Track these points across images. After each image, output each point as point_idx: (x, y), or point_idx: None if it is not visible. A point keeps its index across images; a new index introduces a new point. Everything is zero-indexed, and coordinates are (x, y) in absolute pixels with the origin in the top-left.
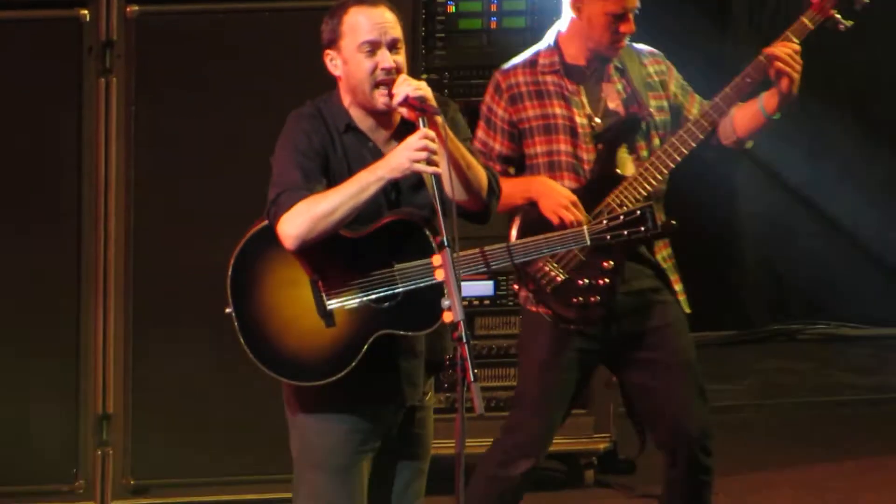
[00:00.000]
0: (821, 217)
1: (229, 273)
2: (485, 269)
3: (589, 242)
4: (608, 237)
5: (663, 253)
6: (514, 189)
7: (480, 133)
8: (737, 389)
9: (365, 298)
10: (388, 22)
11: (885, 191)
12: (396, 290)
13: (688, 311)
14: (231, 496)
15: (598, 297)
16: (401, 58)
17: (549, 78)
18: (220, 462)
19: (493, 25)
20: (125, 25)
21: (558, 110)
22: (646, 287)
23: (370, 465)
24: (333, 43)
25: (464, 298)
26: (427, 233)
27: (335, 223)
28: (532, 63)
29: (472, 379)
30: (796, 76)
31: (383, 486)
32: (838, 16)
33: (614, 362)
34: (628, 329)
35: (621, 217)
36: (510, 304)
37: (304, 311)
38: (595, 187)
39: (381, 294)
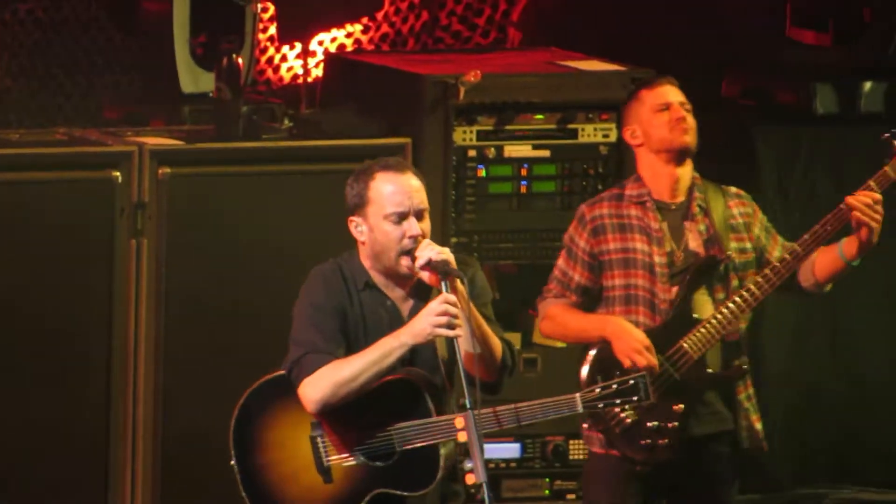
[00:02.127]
0: (847, 375)
1: (232, 426)
2: (497, 428)
3: (581, 411)
4: (600, 405)
5: (748, 391)
6: (589, 325)
7: (561, 262)
8: None
9: (362, 456)
10: (414, 190)
11: None
12: (393, 450)
13: (765, 447)
14: None
15: (667, 440)
16: (426, 225)
17: (633, 211)
18: None
19: (524, 190)
20: (157, 187)
21: (639, 245)
22: (707, 433)
23: None
24: (359, 208)
25: (489, 460)
26: (426, 393)
27: (358, 389)
28: (618, 196)
29: None
30: (875, 225)
31: None
32: None
33: (669, 499)
34: (684, 475)
35: (614, 386)
36: (537, 466)
37: (303, 466)
38: (671, 328)
39: (379, 452)
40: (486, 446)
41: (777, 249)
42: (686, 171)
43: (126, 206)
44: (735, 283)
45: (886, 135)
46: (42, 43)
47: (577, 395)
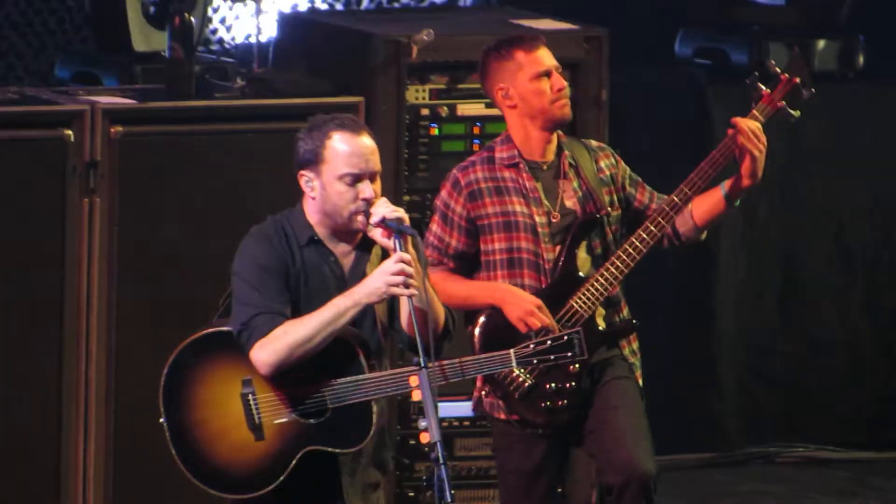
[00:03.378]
0: (799, 336)
1: (162, 383)
2: (443, 382)
3: (515, 367)
4: (535, 361)
5: (632, 346)
6: (475, 292)
7: (435, 228)
8: None
9: (294, 414)
10: (370, 152)
11: (863, 308)
12: (325, 407)
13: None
14: None
15: (566, 401)
16: (377, 186)
17: (507, 174)
18: None
19: (476, 148)
20: (109, 146)
21: (518, 207)
22: (605, 378)
23: None
24: (311, 164)
25: (442, 419)
26: (360, 351)
27: (312, 349)
28: (489, 160)
29: (450, 499)
30: (759, 154)
31: None
32: (788, 108)
33: (572, 441)
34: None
35: (548, 342)
36: (490, 424)
37: (234, 424)
38: (557, 289)
39: (311, 410)
40: (438, 405)
41: (646, 197)
42: (555, 133)
43: (78, 164)
44: (610, 237)
45: (749, 79)
46: None
47: (511, 351)
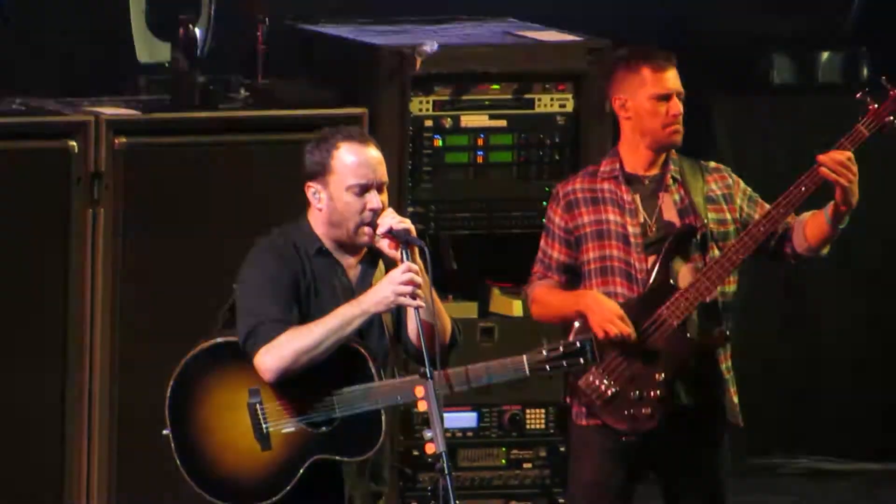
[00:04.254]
0: (802, 347)
1: (168, 395)
2: (448, 392)
3: (528, 373)
4: (547, 367)
5: (727, 363)
6: (564, 302)
7: (542, 243)
8: None
9: (302, 422)
10: (377, 163)
11: (866, 318)
12: (334, 416)
13: (741, 423)
14: None
15: (649, 410)
16: (384, 197)
17: (605, 185)
18: None
19: (480, 160)
20: (113, 156)
21: (612, 216)
22: (693, 404)
23: None
24: (318, 176)
25: (447, 430)
26: (368, 358)
27: (317, 356)
28: (592, 172)
29: None
30: (847, 184)
31: None
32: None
33: (654, 471)
34: (670, 445)
35: (561, 348)
36: (493, 435)
37: (241, 433)
38: (649, 298)
39: (318, 419)
40: (443, 415)
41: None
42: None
43: (82, 175)
44: (715, 252)
45: (859, 94)
46: None
47: (524, 356)
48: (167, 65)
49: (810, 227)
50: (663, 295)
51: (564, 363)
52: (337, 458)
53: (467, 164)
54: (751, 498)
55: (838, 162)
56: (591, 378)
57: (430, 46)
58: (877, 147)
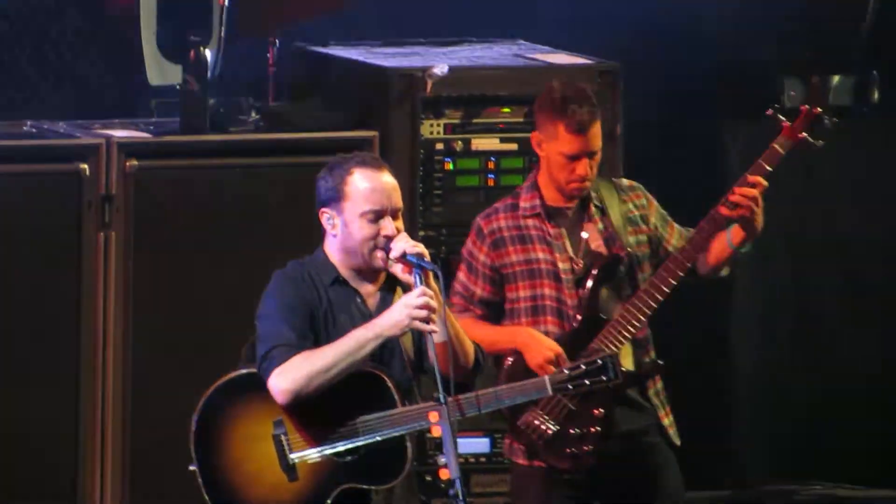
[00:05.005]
0: (817, 373)
1: (193, 427)
2: (459, 416)
3: (550, 393)
4: (570, 387)
5: (656, 387)
6: (499, 337)
7: (461, 276)
8: None
9: (327, 451)
10: (391, 189)
11: (881, 343)
12: (358, 444)
13: (678, 442)
14: None
15: (591, 446)
16: (399, 224)
17: (530, 222)
18: None
19: (491, 183)
20: (124, 180)
21: (541, 255)
22: (634, 429)
23: None
24: (333, 202)
25: (460, 456)
26: (390, 384)
27: (331, 379)
28: (513, 206)
29: None
30: (749, 215)
31: None
32: (810, 138)
33: (602, 500)
34: (618, 473)
35: (582, 367)
36: (506, 461)
37: (267, 465)
38: (580, 332)
39: (344, 447)
40: (457, 441)
41: (674, 237)
42: None
43: (93, 199)
44: (640, 277)
45: (770, 111)
46: (9, 35)
47: (546, 377)
48: (178, 87)
49: (711, 250)
50: (594, 328)
51: (587, 381)
52: (364, 486)
53: (478, 187)
54: None
55: (743, 196)
56: (530, 418)
57: (440, 69)
58: (885, 171)
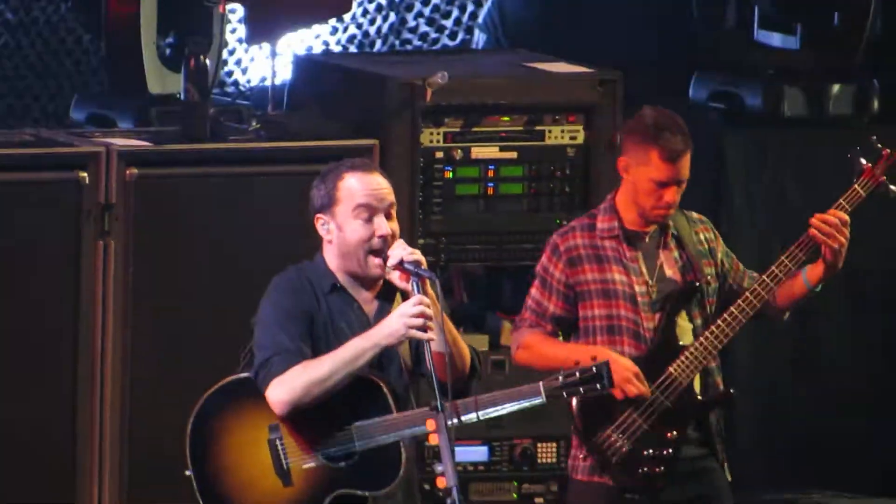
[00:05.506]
0: (815, 381)
1: (188, 432)
2: (457, 422)
3: (545, 399)
4: (564, 394)
5: (720, 424)
6: (574, 355)
7: (534, 292)
8: None
9: (322, 457)
10: (383, 188)
11: (879, 352)
12: (353, 450)
13: (729, 478)
14: None
15: (663, 468)
16: (395, 225)
17: (607, 243)
18: None
19: (491, 191)
20: (124, 188)
21: (617, 276)
22: (694, 455)
23: None
24: (326, 208)
25: (457, 464)
26: (386, 391)
27: (329, 389)
28: (590, 227)
29: None
30: (836, 247)
31: None
32: (889, 184)
33: None
34: (677, 496)
35: (577, 374)
36: (504, 469)
37: (262, 470)
38: (657, 356)
39: (339, 453)
40: (454, 449)
41: (738, 273)
42: None
43: (93, 207)
44: (709, 309)
45: (850, 154)
46: (11, 45)
47: (540, 383)
48: (178, 96)
49: (782, 289)
50: (670, 353)
51: (581, 389)
52: (359, 492)
53: (478, 195)
54: None
55: (831, 224)
56: (607, 434)
57: (440, 77)
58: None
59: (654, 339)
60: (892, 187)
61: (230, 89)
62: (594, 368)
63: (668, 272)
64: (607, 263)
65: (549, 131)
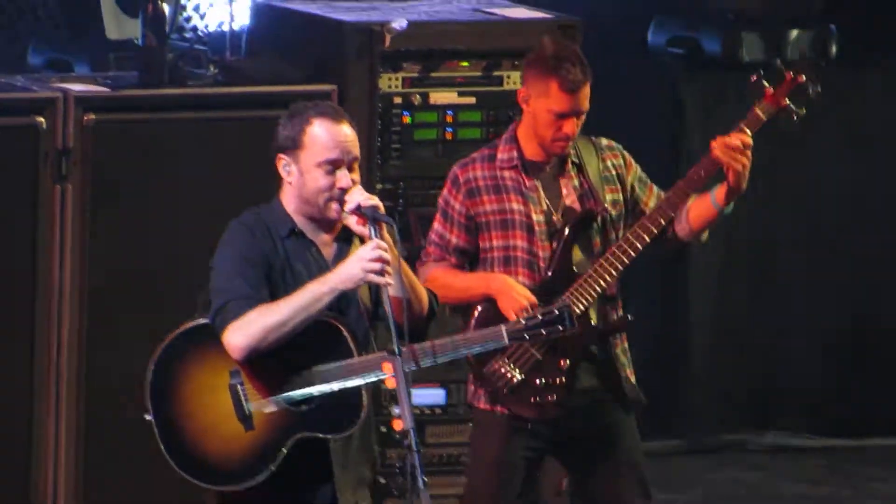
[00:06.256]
0: (771, 323)
1: (148, 380)
2: (414, 367)
3: (507, 342)
4: (526, 336)
5: (623, 345)
6: (472, 283)
7: (437, 226)
8: (685, 500)
9: (283, 401)
10: (350, 140)
11: (835, 294)
12: (315, 393)
13: (644, 400)
14: None
15: (555, 396)
16: (356, 176)
17: (507, 173)
18: None
19: (449, 136)
20: (81, 133)
21: (515, 206)
22: (597, 386)
23: None
24: (290, 150)
25: (414, 407)
26: (347, 336)
27: (286, 334)
28: (490, 157)
29: (422, 486)
30: (741, 168)
31: None
32: (793, 106)
33: (562, 460)
34: (578, 428)
35: (539, 316)
36: (461, 412)
37: (223, 415)
38: (550, 285)
39: (300, 397)
40: (411, 392)
41: (652, 199)
42: None
43: (50, 152)
44: (612, 236)
45: (754, 77)
46: None
47: (502, 326)
48: (136, 41)
49: (694, 210)
50: (565, 282)
51: (543, 331)
52: (320, 435)
53: (436, 140)
54: (721, 474)
55: (733, 147)
56: (496, 366)
57: (399, 23)
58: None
59: (549, 269)
60: (795, 109)
61: (188, 35)
62: (556, 311)
63: (567, 201)
64: (506, 193)
65: (508, 77)
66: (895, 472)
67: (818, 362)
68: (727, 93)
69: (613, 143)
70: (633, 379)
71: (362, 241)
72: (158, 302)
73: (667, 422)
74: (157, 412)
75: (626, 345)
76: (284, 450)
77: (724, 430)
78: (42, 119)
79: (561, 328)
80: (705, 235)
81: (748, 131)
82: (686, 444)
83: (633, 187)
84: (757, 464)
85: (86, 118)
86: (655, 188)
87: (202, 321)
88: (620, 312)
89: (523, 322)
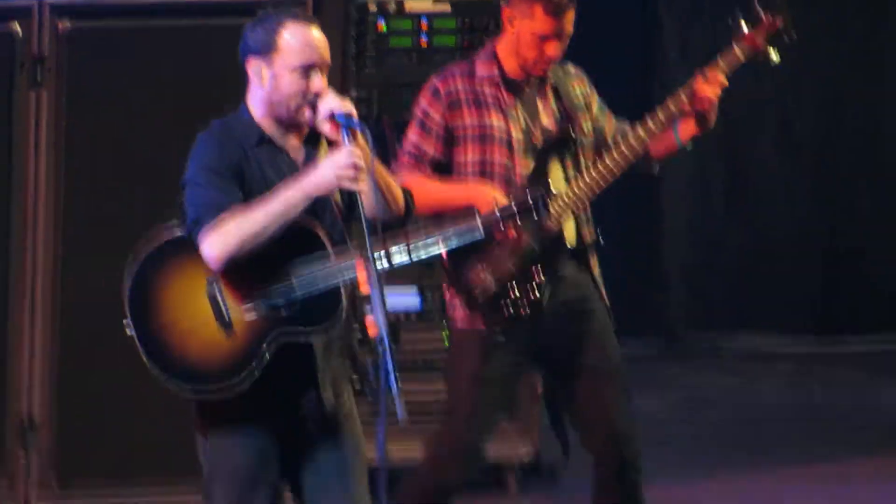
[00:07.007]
0: (746, 227)
1: (127, 292)
2: (388, 266)
3: (482, 233)
4: (501, 225)
5: (598, 269)
6: (452, 192)
7: (413, 136)
8: (660, 403)
9: (263, 306)
10: (322, 45)
11: (810, 198)
12: (295, 296)
13: (615, 326)
14: (157, 497)
15: (528, 311)
16: (325, 81)
17: (487, 89)
18: (147, 461)
19: (424, 44)
20: (57, 40)
21: (496, 122)
22: (573, 297)
23: (299, 478)
24: (262, 54)
25: (389, 312)
26: (322, 236)
27: (262, 241)
28: (469, 73)
29: (396, 387)
30: (713, 114)
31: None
32: (771, 49)
33: (542, 369)
34: (556, 338)
35: (514, 205)
36: (437, 317)
37: (204, 322)
38: None
39: (279, 301)
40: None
41: (612, 126)
42: None
43: (25, 59)
44: (582, 160)
45: (731, 17)
46: None
47: (477, 216)
48: None
49: (655, 143)
50: None
51: (518, 220)
52: (301, 328)
53: (411, 48)
54: (694, 377)
55: (714, 92)
56: (472, 273)
57: None
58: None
59: (526, 184)
60: (772, 55)
61: None
62: (530, 199)
63: (546, 121)
64: (486, 108)
65: None
66: (873, 376)
67: (792, 264)
68: (704, 4)
69: (580, 71)
70: (606, 301)
71: (330, 142)
72: (133, 208)
73: (642, 326)
74: (136, 322)
75: (598, 269)
76: (267, 352)
77: (699, 334)
78: (17, 26)
79: (535, 217)
80: (657, 167)
81: (725, 70)
82: (661, 346)
83: (597, 117)
84: (731, 367)
85: (61, 26)
86: (613, 117)
87: (177, 235)
88: (592, 230)
89: (497, 214)
